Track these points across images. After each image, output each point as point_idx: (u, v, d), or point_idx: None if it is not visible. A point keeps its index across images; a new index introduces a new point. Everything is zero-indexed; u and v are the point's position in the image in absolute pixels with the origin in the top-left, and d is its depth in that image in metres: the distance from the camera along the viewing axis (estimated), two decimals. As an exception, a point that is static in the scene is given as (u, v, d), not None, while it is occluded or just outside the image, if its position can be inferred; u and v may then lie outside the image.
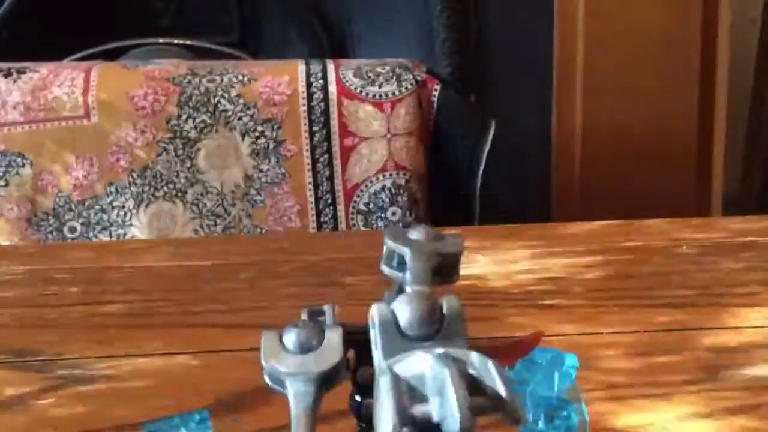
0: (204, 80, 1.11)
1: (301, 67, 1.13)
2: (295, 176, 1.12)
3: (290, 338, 0.33)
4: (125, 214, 1.11)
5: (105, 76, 1.12)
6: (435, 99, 1.15)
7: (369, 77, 1.13)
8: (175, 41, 1.43)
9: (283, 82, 1.12)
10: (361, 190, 1.13)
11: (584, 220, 0.76)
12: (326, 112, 1.12)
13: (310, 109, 1.11)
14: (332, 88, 1.12)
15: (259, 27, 1.52)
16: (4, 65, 1.12)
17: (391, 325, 0.30)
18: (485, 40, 1.31)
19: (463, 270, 0.65)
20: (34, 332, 0.58)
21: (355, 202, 1.13)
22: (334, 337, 0.33)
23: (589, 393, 0.47)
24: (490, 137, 1.15)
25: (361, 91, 1.12)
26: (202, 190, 1.12)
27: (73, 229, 1.11)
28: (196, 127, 1.11)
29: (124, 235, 1.11)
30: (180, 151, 1.11)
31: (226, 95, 1.11)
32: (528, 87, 1.37)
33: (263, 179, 1.12)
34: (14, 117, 1.09)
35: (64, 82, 1.10)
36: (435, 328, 0.30)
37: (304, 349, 0.32)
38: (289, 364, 0.32)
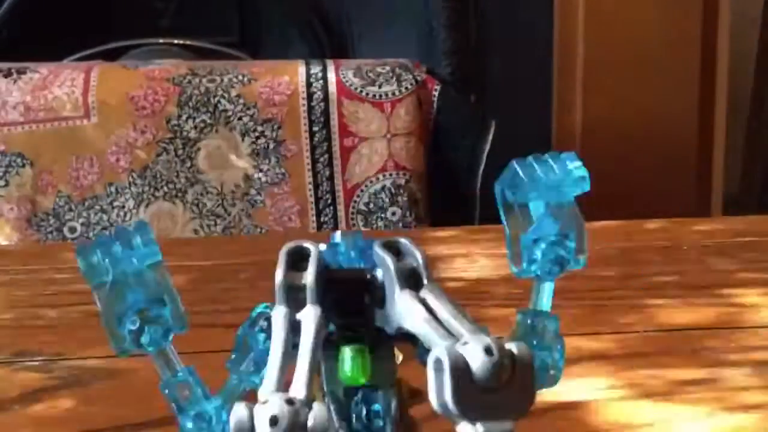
0: (204, 80, 1.11)
1: (301, 67, 1.13)
2: (295, 176, 1.12)
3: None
4: (125, 214, 1.11)
5: (105, 76, 1.12)
6: (435, 99, 1.15)
7: (369, 77, 1.13)
8: (175, 41, 1.43)
9: (283, 82, 1.12)
10: (361, 190, 1.13)
11: (584, 220, 0.76)
12: (326, 112, 1.12)
13: (310, 109, 1.11)
14: (332, 88, 1.12)
15: (259, 27, 1.52)
16: (4, 65, 1.12)
17: (464, 372, 0.29)
18: (485, 40, 1.31)
19: (463, 270, 0.65)
20: (34, 332, 0.58)
21: (355, 202, 1.13)
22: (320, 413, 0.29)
23: (589, 393, 0.47)
24: (490, 137, 1.15)
25: (361, 91, 1.12)
26: (202, 190, 1.12)
27: (73, 229, 1.11)
28: (196, 127, 1.11)
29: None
30: (180, 151, 1.11)
31: (226, 95, 1.11)
32: (528, 87, 1.37)
33: (263, 179, 1.12)
34: (14, 117, 1.09)
35: (64, 82, 1.10)
36: (506, 377, 0.29)
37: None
38: None
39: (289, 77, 1.12)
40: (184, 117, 1.10)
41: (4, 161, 1.09)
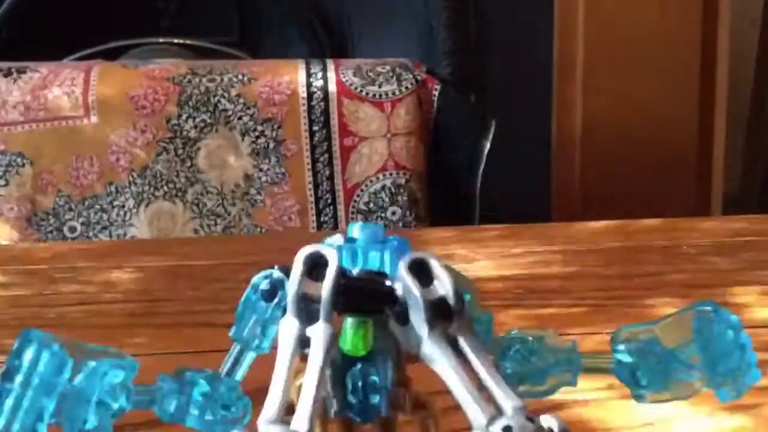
0: (204, 80, 1.11)
1: (301, 66, 1.13)
2: (295, 176, 1.12)
3: None
4: (125, 214, 1.11)
5: (105, 76, 1.12)
6: (435, 99, 1.15)
7: (369, 77, 1.13)
8: (176, 41, 1.43)
9: (283, 82, 1.12)
10: (361, 190, 1.13)
11: (584, 220, 0.76)
12: (326, 112, 1.12)
13: (310, 109, 1.11)
14: (332, 88, 1.12)
15: (259, 27, 1.51)
16: (4, 65, 1.12)
17: None
18: (485, 40, 1.31)
19: (463, 270, 0.65)
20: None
21: (355, 201, 1.13)
22: None
23: (589, 393, 0.47)
24: (490, 137, 1.15)
25: (361, 91, 1.12)
26: (202, 189, 1.12)
27: (73, 229, 1.11)
28: (196, 127, 1.11)
29: (124, 234, 1.11)
30: (180, 151, 1.11)
31: (226, 95, 1.11)
32: (528, 87, 1.37)
33: (263, 179, 1.12)
34: (14, 117, 1.09)
35: (64, 82, 1.10)
36: None
37: None
38: None
39: (289, 77, 1.12)
40: (184, 116, 1.10)
41: (4, 161, 1.09)
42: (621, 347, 0.38)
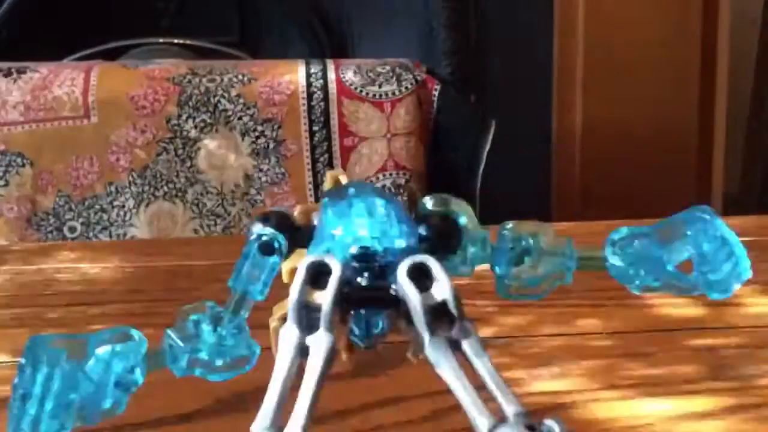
0: (204, 80, 1.11)
1: (301, 67, 1.13)
2: (295, 176, 1.12)
3: None
4: (125, 214, 1.11)
5: (105, 76, 1.12)
6: (435, 99, 1.15)
7: (369, 77, 1.13)
8: (176, 41, 1.43)
9: (283, 82, 1.12)
10: (361, 190, 1.13)
11: (584, 220, 0.76)
12: (326, 112, 1.12)
13: (310, 109, 1.11)
14: (332, 88, 1.12)
15: (259, 27, 1.52)
16: (4, 65, 1.12)
17: None
18: (485, 40, 1.31)
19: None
20: (34, 332, 0.57)
21: (355, 202, 1.13)
22: None
23: (589, 393, 0.47)
24: (490, 137, 1.15)
25: (361, 91, 1.12)
26: (202, 189, 1.12)
27: (73, 229, 1.11)
28: (196, 127, 1.11)
29: (124, 234, 1.11)
30: (180, 151, 1.11)
31: (226, 95, 1.11)
32: (528, 87, 1.37)
33: (263, 179, 1.12)
34: (14, 117, 1.09)
35: (64, 82, 1.10)
36: None
37: None
38: None
39: (289, 77, 1.12)
40: (184, 117, 1.10)
41: (4, 161, 1.09)
42: (616, 250, 0.39)
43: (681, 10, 1.34)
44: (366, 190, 0.37)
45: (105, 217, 1.11)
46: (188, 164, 1.11)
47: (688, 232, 0.39)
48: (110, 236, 1.10)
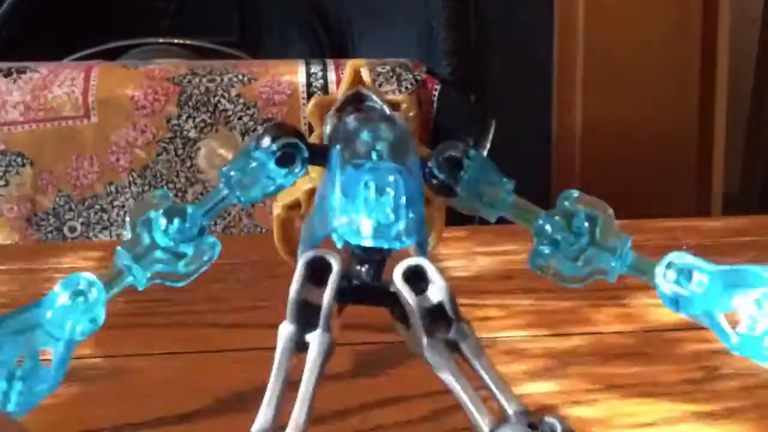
0: (204, 80, 1.12)
1: (301, 67, 1.13)
2: (295, 176, 1.12)
3: None
4: (125, 214, 1.11)
5: (105, 76, 1.12)
6: (435, 99, 1.15)
7: (369, 77, 1.12)
8: (176, 41, 1.43)
9: (283, 82, 1.12)
10: (361, 190, 1.13)
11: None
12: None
13: (310, 109, 1.11)
14: (332, 88, 1.12)
15: (259, 27, 1.52)
16: (4, 65, 1.12)
17: None
18: (485, 40, 1.31)
19: (463, 270, 0.65)
20: (34, 332, 0.57)
21: (355, 202, 1.13)
22: None
23: (589, 393, 0.47)
24: (490, 137, 1.15)
25: (361, 91, 1.12)
26: (202, 189, 1.12)
27: (73, 229, 1.11)
28: (196, 127, 1.11)
29: (125, 235, 1.10)
30: (180, 151, 1.11)
31: (226, 95, 1.11)
32: (528, 87, 1.37)
33: (263, 179, 1.12)
34: (14, 117, 1.09)
35: (64, 82, 1.10)
36: None
37: None
38: None
39: (289, 77, 1.12)
40: (184, 117, 1.10)
41: (4, 161, 1.09)
42: (669, 275, 0.38)
43: (681, 10, 1.34)
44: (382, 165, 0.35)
45: (105, 217, 1.11)
46: (188, 164, 1.11)
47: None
48: (110, 236, 1.10)
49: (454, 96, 1.17)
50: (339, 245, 0.34)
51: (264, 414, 0.31)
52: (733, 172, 1.61)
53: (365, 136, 0.36)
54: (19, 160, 1.10)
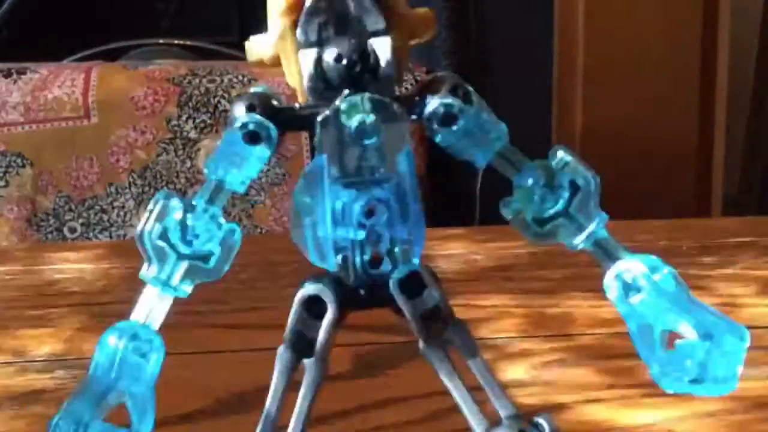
0: (204, 80, 1.12)
1: (301, 67, 1.13)
2: (295, 176, 1.12)
3: None
4: (125, 214, 1.11)
5: (105, 77, 1.12)
6: (435, 99, 1.15)
7: (369, 77, 1.12)
8: (176, 42, 1.43)
9: (283, 82, 1.11)
10: (361, 191, 1.13)
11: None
12: (326, 112, 1.11)
13: (310, 110, 1.11)
14: (332, 89, 1.11)
15: (259, 27, 1.51)
16: (4, 65, 1.12)
17: None
18: (485, 40, 1.31)
19: (463, 270, 0.65)
20: (34, 332, 0.58)
21: (355, 202, 1.13)
22: None
23: (589, 393, 0.47)
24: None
25: (361, 92, 1.12)
26: (202, 190, 1.12)
27: (73, 229, 1.11)
28: (196, 128, 1.11)
29: (124, 235, 1.10)
30: (180, 152, 1.11)
31: (226, 95, 1.11)
32: (528, 87, 1.37)
33: (263, 179, 1.12)
34: (14, 117, 1.09)
35: (65, 83, 1.10)
36: None
37: None
38: None
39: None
40: (184, 117, 1.10)
41: (4, 161, 1.09)
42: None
43: (681, 10, 1.34)
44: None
45: (105, 217, 1.11)
46: (188, 164, 1.11)
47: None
48: (110, 237, 1.10)
49: (454, 96, 1.17)
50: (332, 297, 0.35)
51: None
52: (733, 172, 1.61)
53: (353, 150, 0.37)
54: (19, 160, 1.10)
